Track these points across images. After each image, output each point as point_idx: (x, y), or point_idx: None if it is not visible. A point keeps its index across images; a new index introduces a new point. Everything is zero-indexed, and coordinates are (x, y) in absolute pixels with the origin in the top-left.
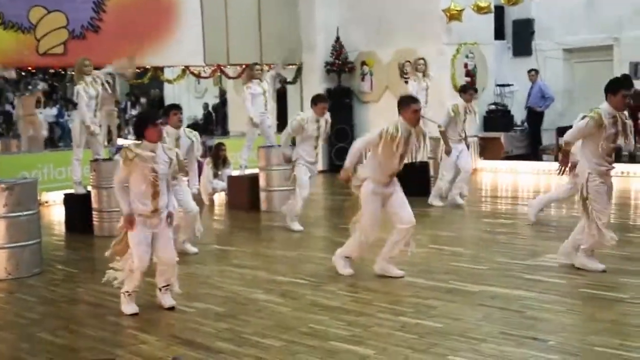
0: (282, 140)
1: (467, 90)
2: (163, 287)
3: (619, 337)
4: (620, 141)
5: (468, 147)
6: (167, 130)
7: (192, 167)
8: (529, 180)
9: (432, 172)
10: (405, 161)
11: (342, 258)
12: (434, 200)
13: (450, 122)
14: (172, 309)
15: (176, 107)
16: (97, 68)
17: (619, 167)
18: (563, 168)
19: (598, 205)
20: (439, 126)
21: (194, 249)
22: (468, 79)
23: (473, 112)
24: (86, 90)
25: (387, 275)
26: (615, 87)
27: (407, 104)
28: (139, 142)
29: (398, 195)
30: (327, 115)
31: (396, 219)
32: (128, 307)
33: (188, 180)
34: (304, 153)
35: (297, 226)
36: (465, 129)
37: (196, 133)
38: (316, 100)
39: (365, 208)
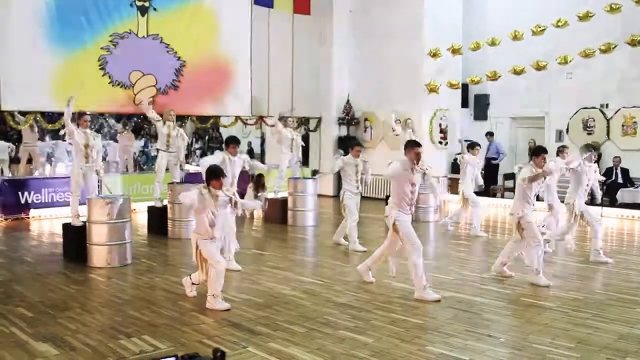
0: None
1: (475, 146)
2: None
3: (549, 337)
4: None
5: None
6: (227, 157)
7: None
8: (483, 211)
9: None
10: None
11: (423, 288)
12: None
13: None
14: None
15: (234, 141)
16: (177, 115)
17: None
18: None
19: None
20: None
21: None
22: (442, 134)
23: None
24: (161, 129)
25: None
26: (538, 151)
27: (412, 146)
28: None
29: None
30: (363, 157)
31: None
32: (221, 304)
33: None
34: (349, 187)
35: (359, 247)
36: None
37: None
38: (352, 144)
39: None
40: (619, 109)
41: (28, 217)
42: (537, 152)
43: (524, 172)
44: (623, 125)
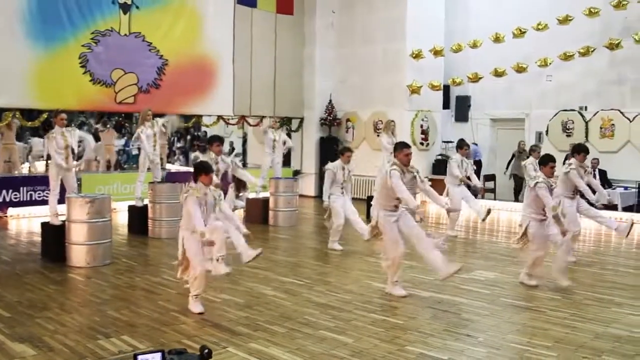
0: (325, 190)
1: (463, 145)
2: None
3: (527, 336)
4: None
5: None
6: (210, 156)
7: (227, 182)
8: (463, 211)
9: None
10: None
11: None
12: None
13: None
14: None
15: (218, 139)
16: (156, 114)
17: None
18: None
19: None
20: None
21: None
22: (423, 136)
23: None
24: (145, 132)
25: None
26: (545, 160)
27: (401, 148)
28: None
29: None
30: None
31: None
32: (196, 307)
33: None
34: (333, 190)
35: (337, 246)
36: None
37: (228, 159)
38: (343, 150)
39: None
40: (597, 112)
41: (6, 216)
42: (544, 161)
43: (540, 184)
44: (601, 128)
